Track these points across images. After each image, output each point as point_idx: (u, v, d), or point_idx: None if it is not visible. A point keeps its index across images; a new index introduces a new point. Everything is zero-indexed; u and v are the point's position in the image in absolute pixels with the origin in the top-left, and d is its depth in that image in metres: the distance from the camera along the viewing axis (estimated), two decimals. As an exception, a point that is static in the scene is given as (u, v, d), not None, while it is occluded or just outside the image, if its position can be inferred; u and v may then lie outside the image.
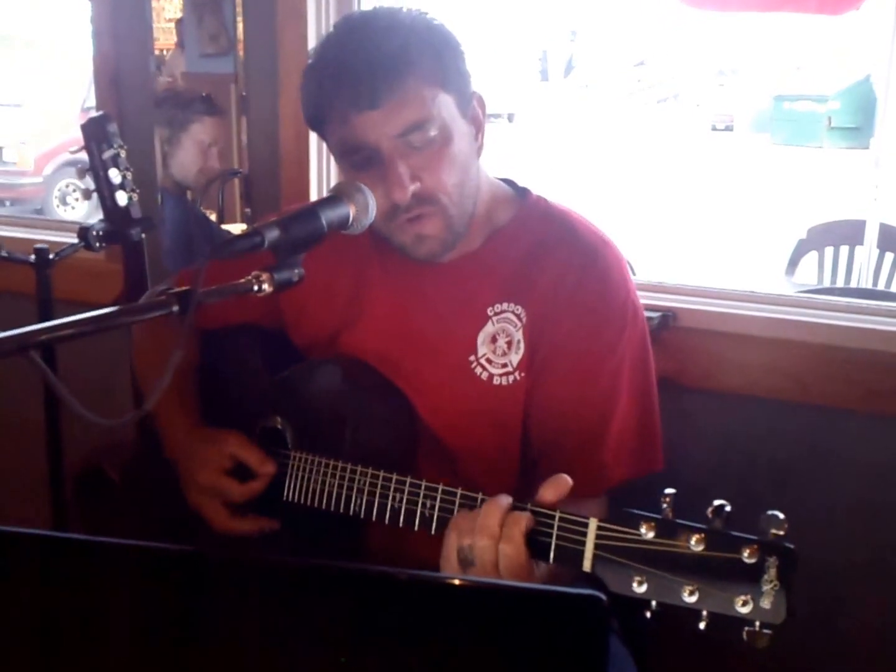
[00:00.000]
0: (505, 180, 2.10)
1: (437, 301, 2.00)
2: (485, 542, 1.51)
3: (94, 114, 2.54)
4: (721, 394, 2.53)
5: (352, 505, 1.78)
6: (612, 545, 1.41)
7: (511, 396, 1.93)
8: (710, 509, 1.35)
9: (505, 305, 1.94)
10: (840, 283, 5.54)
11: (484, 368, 1.93)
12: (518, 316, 1.93)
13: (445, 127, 1.84)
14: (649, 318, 2.45)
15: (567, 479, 1.54)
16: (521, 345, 1.92)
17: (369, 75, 1.77)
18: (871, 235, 5.66)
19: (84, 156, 2.49)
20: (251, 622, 1.16)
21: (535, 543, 1.50)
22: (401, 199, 1.81)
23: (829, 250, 5.68)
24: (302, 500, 1.88)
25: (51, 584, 1.22)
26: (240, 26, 2.95)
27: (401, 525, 1.71)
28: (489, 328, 1.94)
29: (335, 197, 1.69)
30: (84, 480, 2.47)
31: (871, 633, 2.50)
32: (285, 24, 2.84)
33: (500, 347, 1.93)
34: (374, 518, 1.75)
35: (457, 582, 1.15)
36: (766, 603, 1.30)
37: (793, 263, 5.71)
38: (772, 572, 1.30)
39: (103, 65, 3.19)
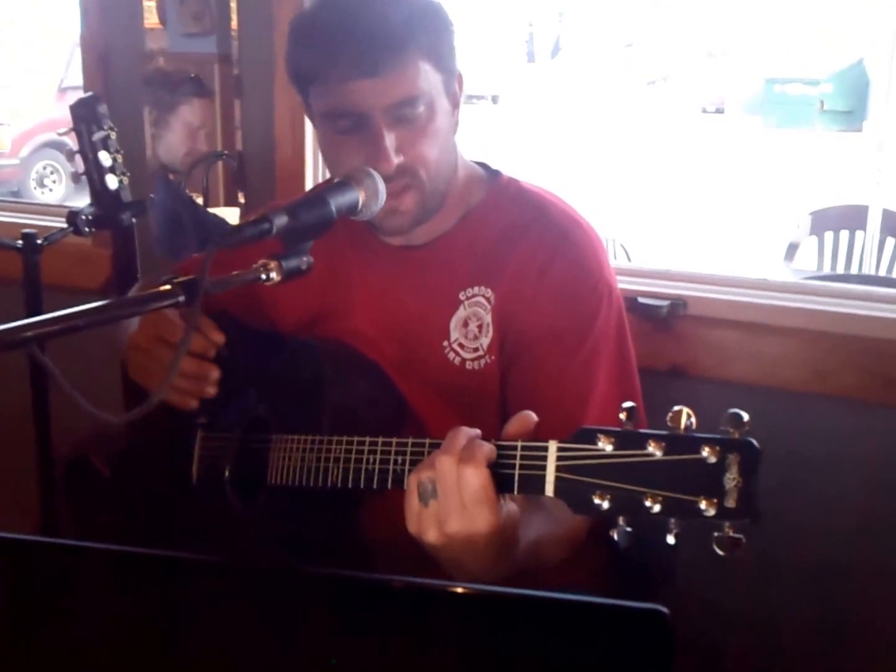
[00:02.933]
0: (478, 163, 2.07)
1: (411, 286, 1.99)
2: (445, 458, 1.45)
3: (82, 94, 2.46)
4: (732, 384, 2.48)
5: (329, 476, 1.75)
6: (572, 465, 1.38)
7: (483, 380, 1.92)
8: (669, 415, 1.31)
9: (476, 289, 1.93)
10: (840, 269, 5.49)
11: (457, 353, 1.93)
12: (488, 299, 1.91)
13: (432, 103, 1.83)
14: (658, 307, 2.47)
15: (531, 416, 1.50)
16: (490, 328, 1.90)
17: (373, 42, 1.74)
18: (875, 220, 5.59)
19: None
20: (238, 629, 1.15)
21: (500, 477, 1.47)
22: (386, 171, 1.77)
23: (828, 235, 5.62)
24: (284, 481, 1.84)
25: (29, 588, 1.22)
26: (233, 4, 2.87)
27: (375, 487, 1.66)
28: (461, 313, 1.93)
29: (344, 182, 1.66)
30: (72, 471, 2.41)
31: (882, 630, 2.46)
32: (280, 2, 2.75)
33: (471, 332, 1.92)
34: (350, 485, 1.71)
35: (503, 591, 1.11)
36: (730, 502, 1.26)
37: (791, 249, 5.65)
38: (734, 469, 1.26)
39: (91, 43, 3.10)
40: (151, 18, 3.10)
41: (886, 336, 2.37)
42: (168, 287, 1.40)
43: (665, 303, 2.49)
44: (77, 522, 2.37)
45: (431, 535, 1.47)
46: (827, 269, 5.54)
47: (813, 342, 2.41)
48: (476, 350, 1.91)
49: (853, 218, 5.67)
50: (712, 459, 1.26)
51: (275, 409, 1.96)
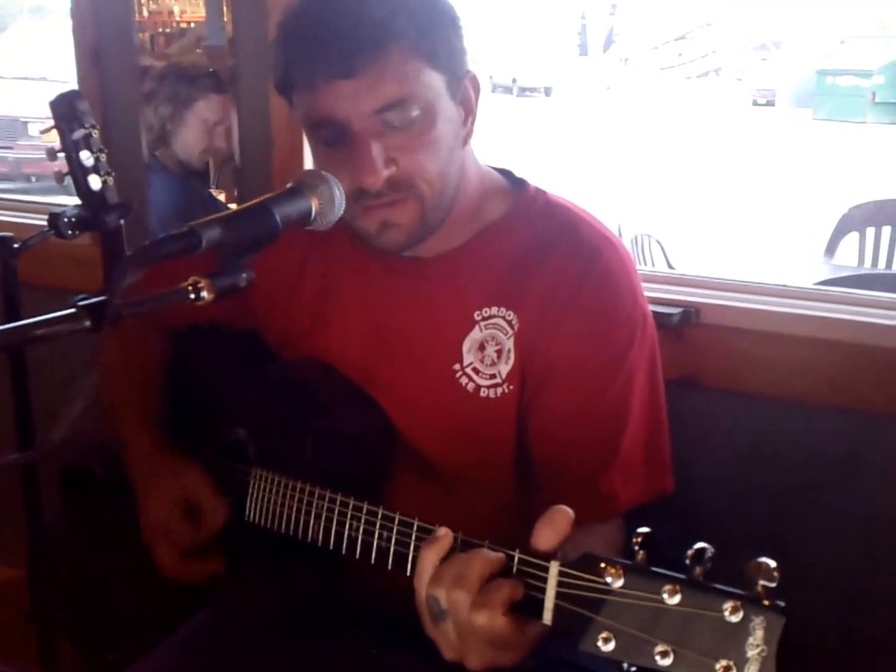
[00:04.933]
0: (501, 170, 1.89)
1: (417, 301, 1.82)
2: (458, 594, 1.28)
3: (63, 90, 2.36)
4: (746, 395, 2.36)
5: (310, 531, 1.63)
6: (575, 594, 1.22)
7: (500, 410, 1.74)
8: (689, 553, 1.14)
9: (494, 310, 1.75)
10: (881, 266, 5.29)
11: (470, 379, 1.75)
12: (510, 322, 1.73)
13: (429, 107, 1.63)
14: (669, 314, 2.35)
15: (567, 513, 1.29)
16: (512, 354, 1.73)
17: (348, 40, 1.57)
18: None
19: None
20: None
21: None
22: (372, 185, 1.62)
23: (870, 231, 5.42)
24: (263, 523, 1.74)
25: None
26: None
27: (357, 556, 1.53)
28: (476, 334, 1.75)
29: (295, 189, 1.49)
30: (70, 478, 2.34)
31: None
32: (276, -9, 2.63)
33: (489, 356, 1.74)
34: (331, 547, 1.59)
35: None
36: (751, 671, 1.09)
37: (832, 245, 5.46)
38: (758, 634, 1.09)
39: (83, 37, 3.00)
40: (199, 11, 3.00)
41: (909, 347, 2.24)
42: (72, 310, 1.28)
43: (677, 310, 2.36)
44: (70, 529, 2.28)
45: (448, 655, 1.34)
46: (868, 266, 5.34)
47: (830, 352, 2.28)
48: (493, 377, 1.74)
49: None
50: (734, 619, 1.10)
51: (257, 436, 1.85)
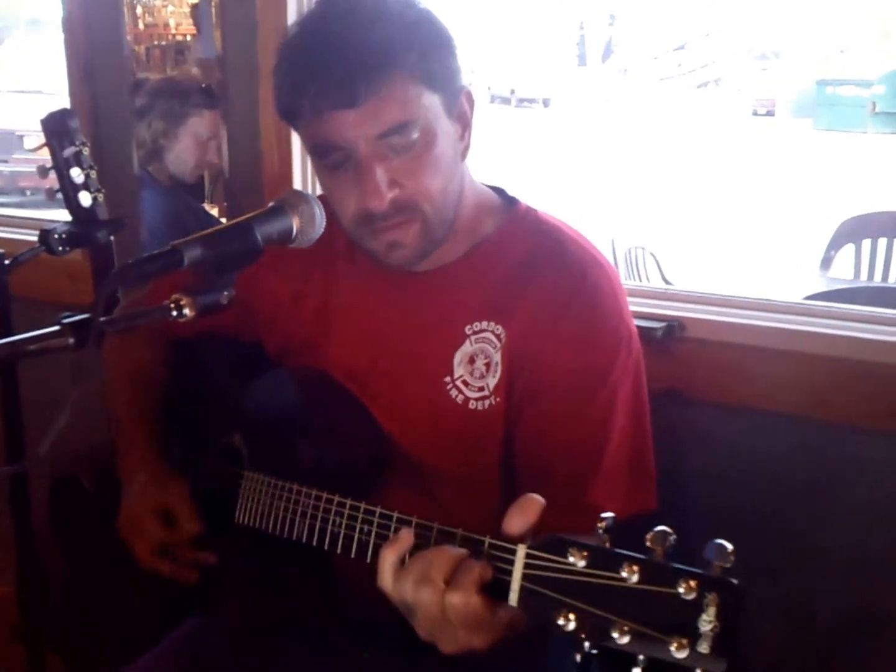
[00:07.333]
0: (493, 188, 1.95)
1: (411, 314, 1.87)
2: (426, 590, 1.34)
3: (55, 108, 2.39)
4: (730, 408, 2.36)
5: (295, 529, 1.70)
6: (540, 575, 1.27)
7: (487, 422, 1.79)
8: (649, 536, 1.18)
9: (484, 324, 1.80)
10: (877, 279, 5.29)
11: (460, 391, 1.80)
12: (498, 336, 1.79)
13: (429, 128, 1.70)
14: (653, 328, 2.37)
15: (537, 501, 1.34)
16: (499, 368, 1.78)
17: (349, 70, 1.62)
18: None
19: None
20: None
21: None
22: (377, 208, 1.68)
23: (866, 243, 5.42)
24: (252, 523, 1.80)
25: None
26: (213, 7, 2.79)
27: (339, 551, 1.60)
28: (467, 348, 1.81)
29: (277, 208, 1.53)
30: (58, 489, 2.37)
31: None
32: (265, 8, 2.65)
33: (478, 369, 1.79)
34: (315, 543, 1.65)
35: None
36: (703, 647, 1.12)
37: (827, 257, 5.47)
38: (711, 611, 1.12)
39: (75, 51, 3.02)
40: (187, 25, 3.05)
41: (892, 361, 2.23)
42: (56, 328, 1.31)
43: (661, 324, 2.38)
44: (59, 542, 2.33)
45: (422, 636, 1.38)
46: (864, 279, 5.35)
47: (814, 366, 2.28)
48: (481, 389, 1.79)
49: (892, 225, 5.46)
50: (689, 596, 1.14)
51: (251, 441, 1.90)
